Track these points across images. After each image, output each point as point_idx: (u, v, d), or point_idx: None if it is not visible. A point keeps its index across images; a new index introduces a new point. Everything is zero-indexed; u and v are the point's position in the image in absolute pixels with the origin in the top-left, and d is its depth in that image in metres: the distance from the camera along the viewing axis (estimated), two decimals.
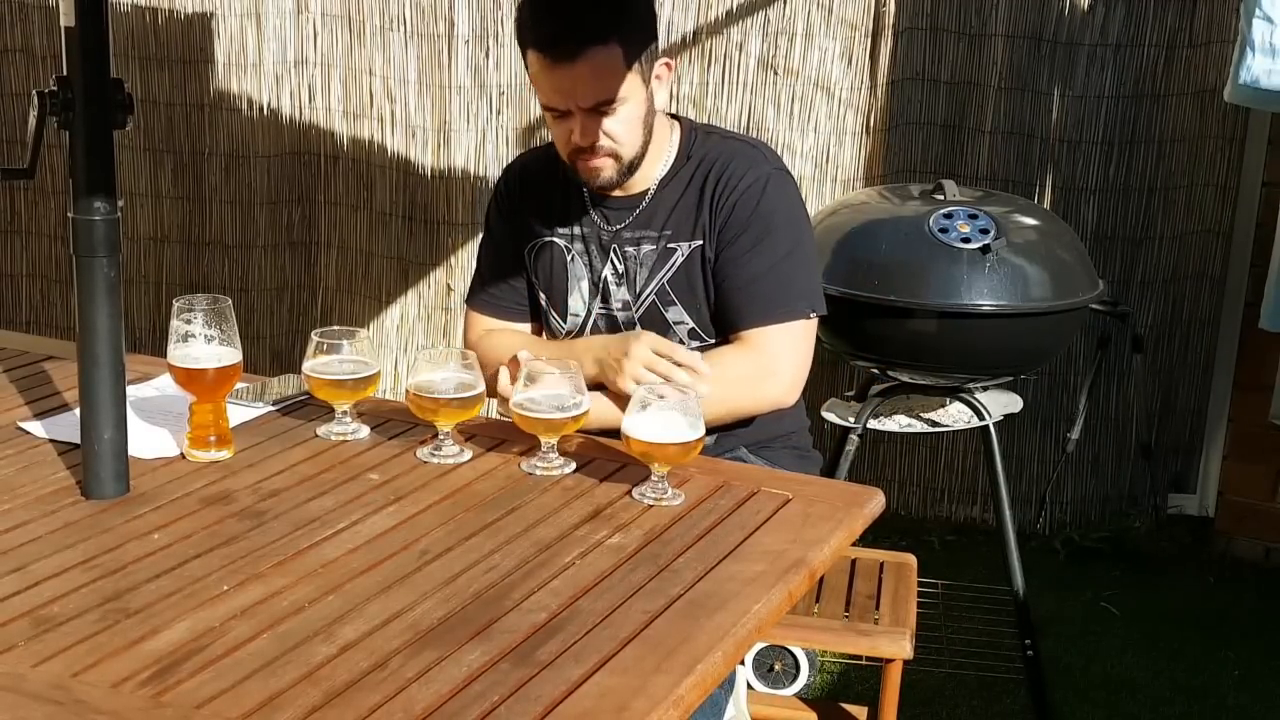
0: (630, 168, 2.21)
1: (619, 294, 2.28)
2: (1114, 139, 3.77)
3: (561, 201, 2.33)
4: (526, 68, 2.19)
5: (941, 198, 2.95)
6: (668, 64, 2.24)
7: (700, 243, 2.24)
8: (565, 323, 2.33)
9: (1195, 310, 3.92)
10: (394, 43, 3.92)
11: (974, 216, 2.86)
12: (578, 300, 2.31)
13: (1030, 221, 2.99)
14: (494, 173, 3.80)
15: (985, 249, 2.78)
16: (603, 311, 2.30)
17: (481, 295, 2.41)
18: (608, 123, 2.14)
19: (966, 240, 2.81)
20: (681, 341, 2.28)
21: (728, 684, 2.25)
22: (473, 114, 3.93)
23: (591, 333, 2.31)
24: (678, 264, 2.24)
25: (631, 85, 2.14)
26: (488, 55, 3.89)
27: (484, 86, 3.91)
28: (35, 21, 4.05)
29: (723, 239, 2.22)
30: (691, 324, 2.26)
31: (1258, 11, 3.05)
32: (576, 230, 2.31)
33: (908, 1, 3.77)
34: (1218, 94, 3.73)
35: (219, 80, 4.00)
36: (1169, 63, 3.73)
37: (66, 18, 1.63)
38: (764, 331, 2.20)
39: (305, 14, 3.96)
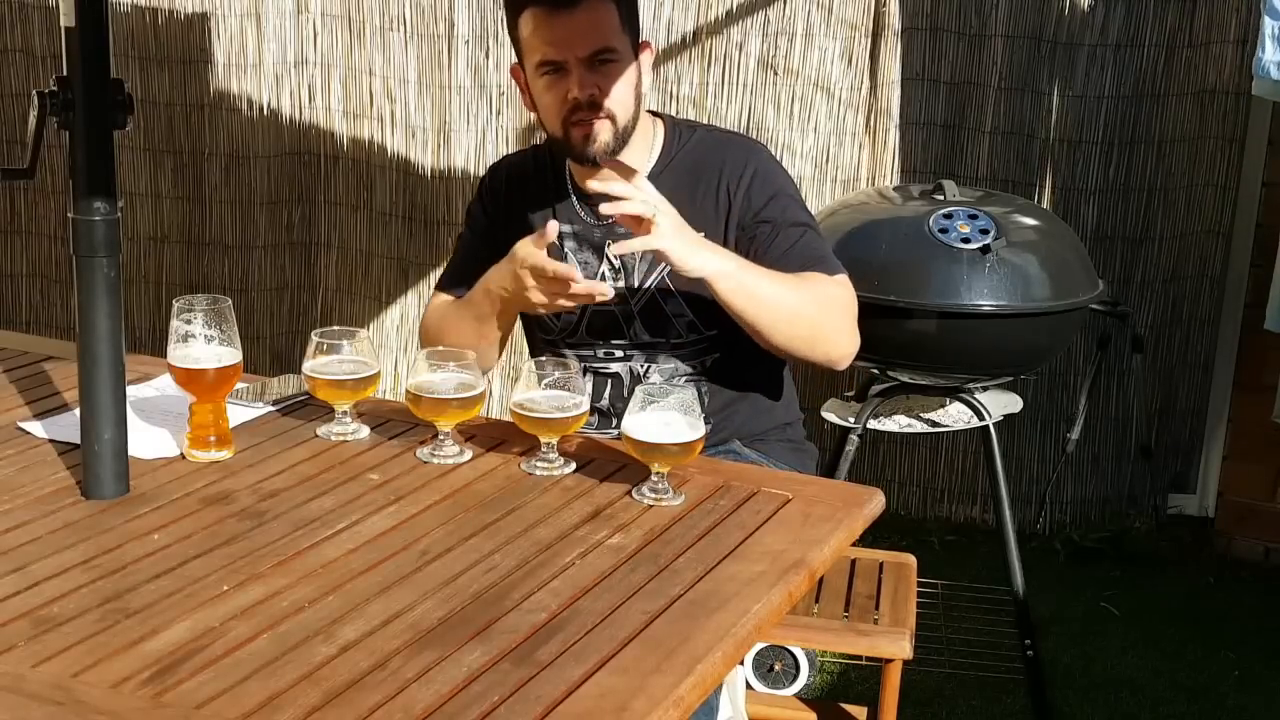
0: (622, 137, 2.20)
1: (616, 288, 2.28)
2: (1114, 139, 3.77)
3: (550, 200, 2.33)
4: (517, 39, 2.20)
5: (941, 198, 2.95)
6: (647, 44, 2.27)
7: (703, 233, 2.23)
8: (559, 320, 2.32)
9: (1195, 310, 3.92)
10: (394, 43, 3.92)
11: (974, 217, 2.86)
12: None
13: (1030, 222, 2.99)
14: None
15: (985, 249, 2.78)
16: (598, 307, 2.28)
17: (452, 284, 2.38)
18: (603, 77, 2.15)
19: (966, 240, 2.81)
20: (680, 334, 2.28)
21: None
22: (473, 114, 3.93)
23: (587, 330, 2.31)
24: None
25: (624, 48, 2.17)
26: (488, 55, 3.89)
27: (484, 86, 3.91)
28: (35, 21, 4.05)
29: (752, 223, 2.22)
30: (691, 316, 2.26)
31: (1265, 4, 3.08)
32: (567, 228, 2.30)
33: (908, 1, 3.77)
34: (1218, 94, 3.74)
35: (219, 80, 4.00)
36: (1169, 63, 3.73)
37: (66, 18, 1.63)
38: (829, 279, 2.20)
39: (305, 14, 3.96)
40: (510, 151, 3.86)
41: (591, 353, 2.32)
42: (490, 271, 2.17)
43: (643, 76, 2.24)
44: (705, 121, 3.68)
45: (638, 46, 2.22)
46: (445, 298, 2.38)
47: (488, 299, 2.16)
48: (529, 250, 2.05)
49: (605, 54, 2.15)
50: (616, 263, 2.27)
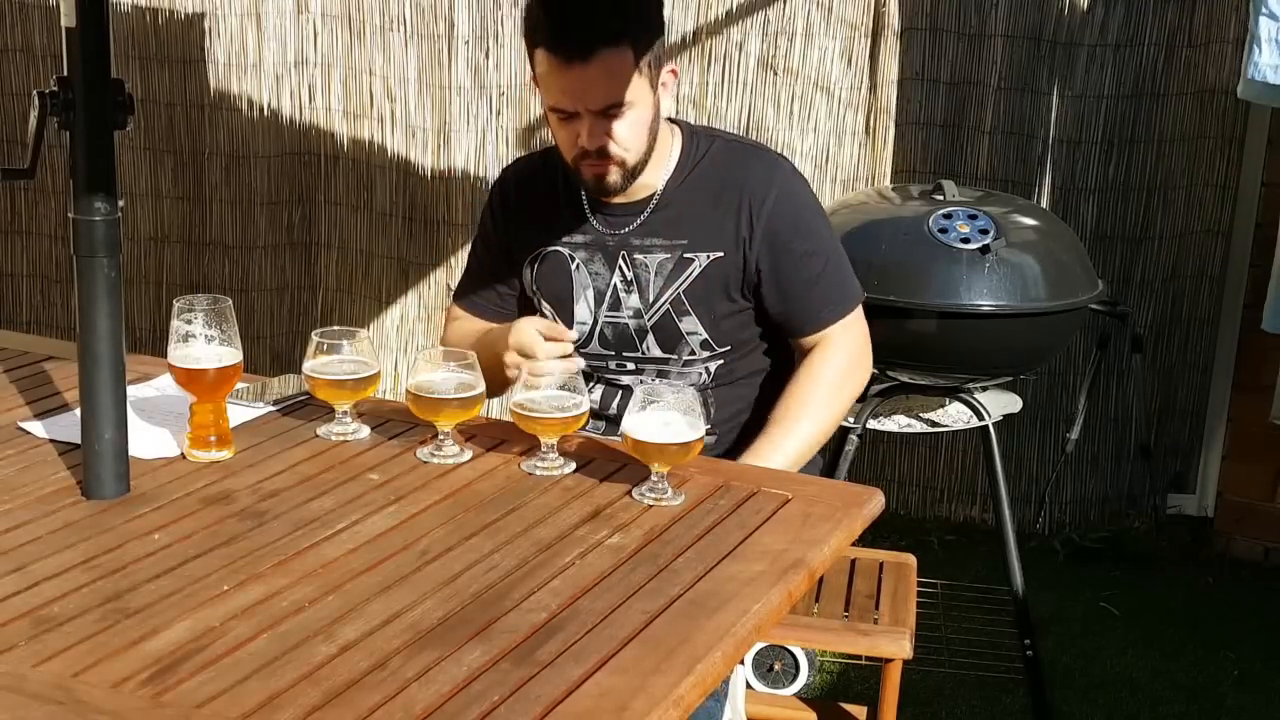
0: (634, 173, 2.19)
1: (629, 301, 2.25)
2: (1114, 139, 3.77)
3: (562, 209, 2.29)
4: (533, 67, 2.17)
5: (941, 198, 2.95)
6: (673, 71, 2.23)
7: (721, 254, 2.22)
8: (572, 332, 2.30)
9: (1195, 310, 3.92)
10: (394, 43, 3.92)
11: (974, 217, 2.86)
12: (584, 309, 2.28)
13: (1030, 221, 2.99)
14: (494, 173, 3.79)
15: (985, 249, 2.78)
16: (609, 319, 2.27)
17: (467, 296, 2.41)
18: (615, 126, 2.12)
19: (966, 240, 2.81)
20: (693, 352, 2.26)
21: (722, 693, 2.24)
22: (473, 114, 3.93)
23: (599, 341, 2.29)
24: (694, 274, 2.21)
25: (640, 89, 2.13)
26: (488, 55, 3.89)
27: (484, 87, 3.91)
28: (35, 21, 4.05)
29: (775, 249, 2.21)
30: (705, 335, 2.24)
31: (1263, 9, 3.07)
32: (580, 238, 2.27)
33: (908, 1, 3.77)
34: (1217, 94, 3.74)
35: (219, 80, 4.00)
36: (1169, 62, 3.73)
37: (67, 18, 1.63)
38: (841, 326, 2.26)
39: (305, 14, 3.96)
40: (509, 151, 3.90)
41: (603, 364, 2.31)
42: (494, 330, 2.25)
43: (661, 104, 2.20)
44: (706, 123, 3.68)
45: (655, 79, 2.17)
46: (460, 311, 2.41)
47: (484, 352, 2.10)
48: (524, 332, 2.09)
49: (617, 106, 2.11)
50: (630, 274, 2.24)
